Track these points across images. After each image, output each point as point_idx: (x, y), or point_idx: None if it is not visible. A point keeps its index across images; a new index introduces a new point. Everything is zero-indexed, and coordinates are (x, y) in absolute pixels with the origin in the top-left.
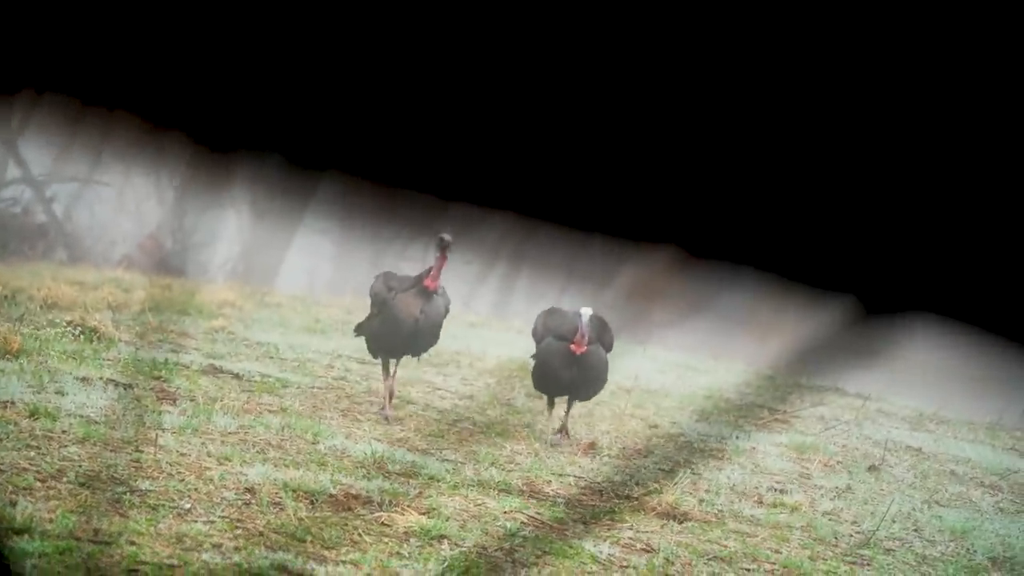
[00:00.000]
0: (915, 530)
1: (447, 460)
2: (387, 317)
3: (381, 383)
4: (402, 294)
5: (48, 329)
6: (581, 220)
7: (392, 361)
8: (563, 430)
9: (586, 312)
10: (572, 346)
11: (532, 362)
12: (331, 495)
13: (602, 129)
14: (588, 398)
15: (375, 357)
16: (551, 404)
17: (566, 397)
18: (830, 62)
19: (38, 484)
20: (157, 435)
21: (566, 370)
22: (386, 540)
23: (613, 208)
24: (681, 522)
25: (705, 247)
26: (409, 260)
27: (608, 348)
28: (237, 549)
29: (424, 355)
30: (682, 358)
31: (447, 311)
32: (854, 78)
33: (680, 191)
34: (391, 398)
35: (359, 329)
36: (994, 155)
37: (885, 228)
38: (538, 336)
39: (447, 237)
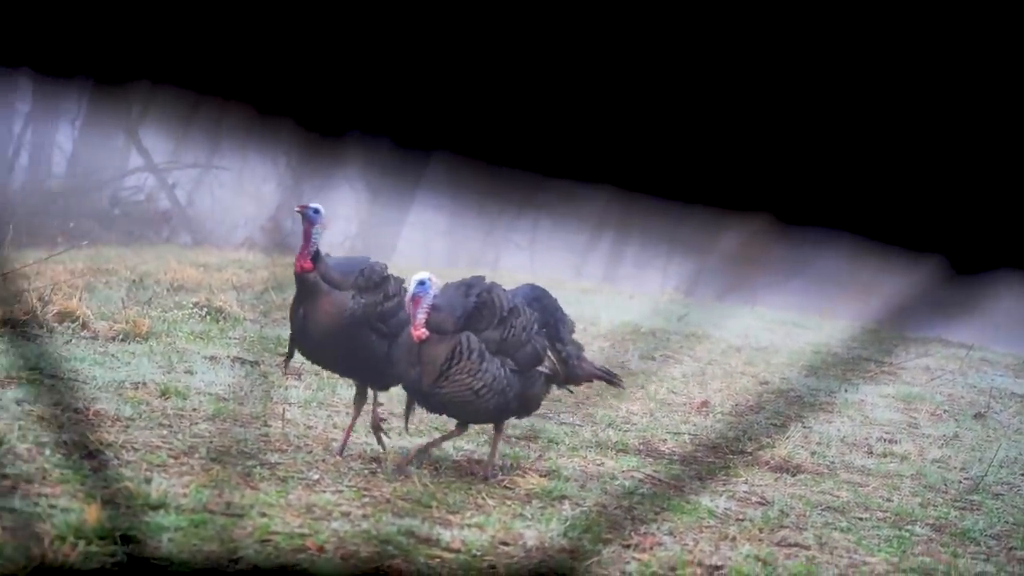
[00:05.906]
0: (1022, 474)
1: (565, 423)
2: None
3: None
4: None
5: (175, 311)
6: (679, 192)
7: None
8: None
9: (415, 279)
10: (411, 329)
11: (643, 326)
12: (455, 461)
13: (696, 108)
14: (464, 419)
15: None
16: (406, 414)
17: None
18: (903, 25)
19: (171, 461)
20: (284, 409)
21: (408, 366)
22: (509, 503)
23: (710, 180)
24: (794, 475)
25: (797, 214)
26: (519, 232)
27: (502, 341)
28: (365, 516)
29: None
30: (789, 316)
31: (376, 314)
32: (931, 44)
33: (773, 162)
34: (345, 439)
35: None
36: None
37: (970, 191)
38: None
39: (301, 206)
